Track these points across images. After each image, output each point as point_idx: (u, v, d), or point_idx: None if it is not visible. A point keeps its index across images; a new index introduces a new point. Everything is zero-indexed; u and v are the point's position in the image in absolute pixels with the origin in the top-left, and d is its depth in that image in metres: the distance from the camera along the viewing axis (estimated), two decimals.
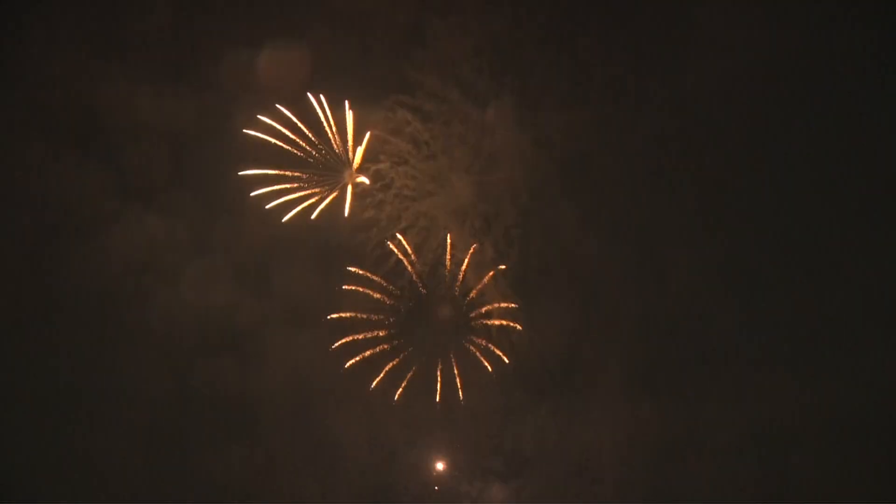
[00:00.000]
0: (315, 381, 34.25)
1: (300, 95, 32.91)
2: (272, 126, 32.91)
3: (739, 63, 32.79)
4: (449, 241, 34.26)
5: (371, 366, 33.72)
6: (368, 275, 34.14)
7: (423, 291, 34.94)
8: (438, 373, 34.13)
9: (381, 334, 34.14)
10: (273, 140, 32.96)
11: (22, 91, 33.05)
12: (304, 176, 33.44)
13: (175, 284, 33.81)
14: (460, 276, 34.51)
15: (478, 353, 34.07)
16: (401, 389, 33.87)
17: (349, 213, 33.59)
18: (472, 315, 34.74)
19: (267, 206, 33.06)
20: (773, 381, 33.40)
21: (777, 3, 33.06)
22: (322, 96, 32.86)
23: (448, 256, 34.40)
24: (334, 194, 33.53)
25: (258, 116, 32.78)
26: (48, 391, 32.87)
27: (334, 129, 33.28)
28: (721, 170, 34.11)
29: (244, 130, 32.80)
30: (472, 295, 34.71)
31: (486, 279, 34.17)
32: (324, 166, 33.67)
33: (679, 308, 34.50)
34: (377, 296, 34.25)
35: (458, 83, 33.66)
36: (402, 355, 34.22)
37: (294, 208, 33.18)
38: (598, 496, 34.26)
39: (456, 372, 34.10)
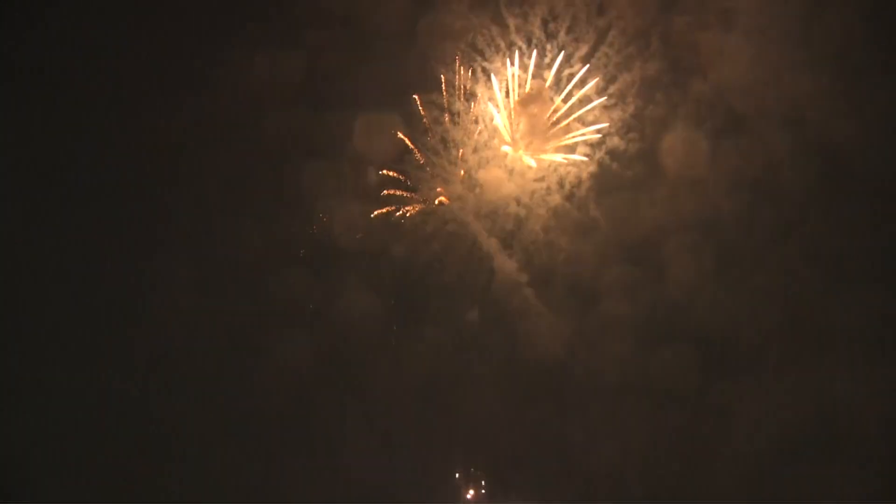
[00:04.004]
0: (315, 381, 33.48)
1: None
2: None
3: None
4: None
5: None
6: None
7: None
8: None
9: None
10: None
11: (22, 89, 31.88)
12: None
13: (174, 284, 32.78)
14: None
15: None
16: None
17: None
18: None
19: None
20: (793, 383, 32.13)
21: None
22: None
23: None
24: None
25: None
26: (46, 392, 31.73)
27: None
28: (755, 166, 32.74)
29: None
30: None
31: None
32: None
33: (693, 309, 33.04)
34: None
35: (487, 79, 32.55)
36: None
37: None
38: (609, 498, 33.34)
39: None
